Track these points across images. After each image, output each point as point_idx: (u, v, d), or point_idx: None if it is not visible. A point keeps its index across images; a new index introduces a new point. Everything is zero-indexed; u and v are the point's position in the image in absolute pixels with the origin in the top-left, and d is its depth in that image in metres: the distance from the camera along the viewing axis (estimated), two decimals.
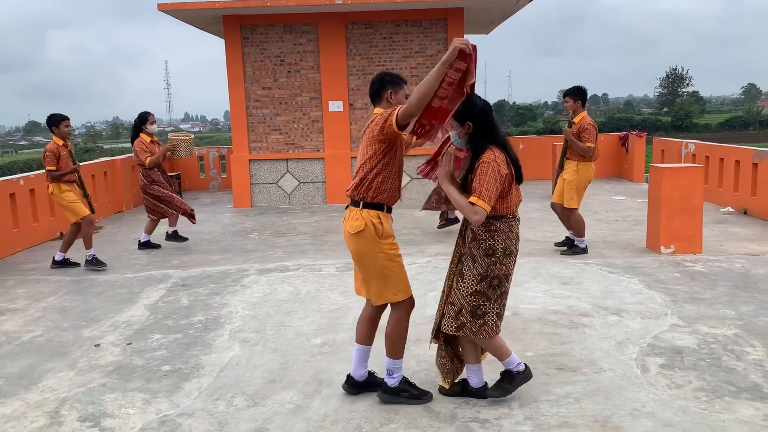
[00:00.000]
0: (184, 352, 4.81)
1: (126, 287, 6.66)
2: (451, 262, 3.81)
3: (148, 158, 8.01)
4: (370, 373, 4.00)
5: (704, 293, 5.81)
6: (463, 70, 3.32)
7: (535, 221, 9.51)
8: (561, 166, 7.60)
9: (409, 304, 3.80)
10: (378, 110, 3.76)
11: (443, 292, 3.85)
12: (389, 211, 3.76)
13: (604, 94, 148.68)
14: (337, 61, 11.30)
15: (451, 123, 3.63)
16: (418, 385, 3.96)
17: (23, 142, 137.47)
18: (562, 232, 8.62)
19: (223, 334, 5.17)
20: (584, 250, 7.43)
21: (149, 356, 4.76)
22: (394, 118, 3.45)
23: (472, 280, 3.61)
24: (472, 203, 3.41)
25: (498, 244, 3.58)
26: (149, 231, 8.40)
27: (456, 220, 8.78)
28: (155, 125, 8.29)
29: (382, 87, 3.75)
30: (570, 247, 7.48)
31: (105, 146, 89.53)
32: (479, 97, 3.57)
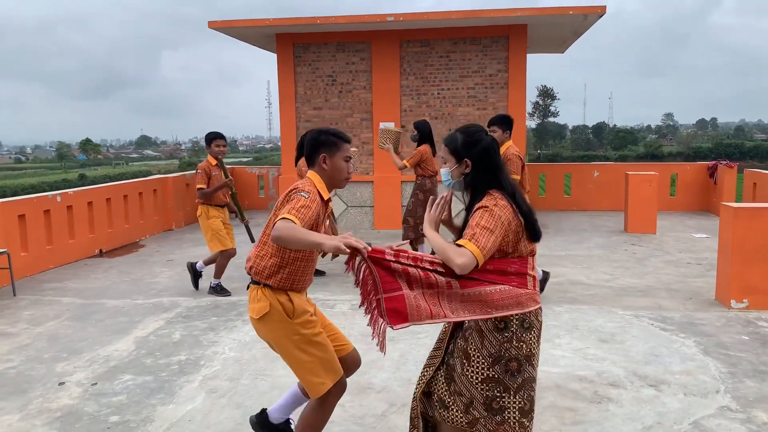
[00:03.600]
0: (143, 400, 4.33)
1: (129, 315, 6.32)
2: (439, 339, 2.96)
3: None
4: (288, 422, 3.37)
5: None
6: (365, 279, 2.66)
7: (594, 260, 8.51)
8: None
9: (339, 388, 3.09)
10: (311, 174, 3.14)
11: (423, 375, 2.95)
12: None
13: (713, 119, 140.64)
14: (390, 80, 10.76)
15: (444, 157, 2.90)
16: None
17: (134, 155, 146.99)
18: (621, 275, 7.63)
19: (195, 380, 4.66)
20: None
21: (105, 402, 4.31)
22: (277, 220, 2.78)
23: (482, 363, 2.73)
24: (459, 245, 2.62)
25: (514, 326, 2.72)
26: None
27: None
28: None
29: (315, 150, 3.10)
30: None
31: None
32: (486, 132, 2.89)
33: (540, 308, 2.80)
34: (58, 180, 75.76)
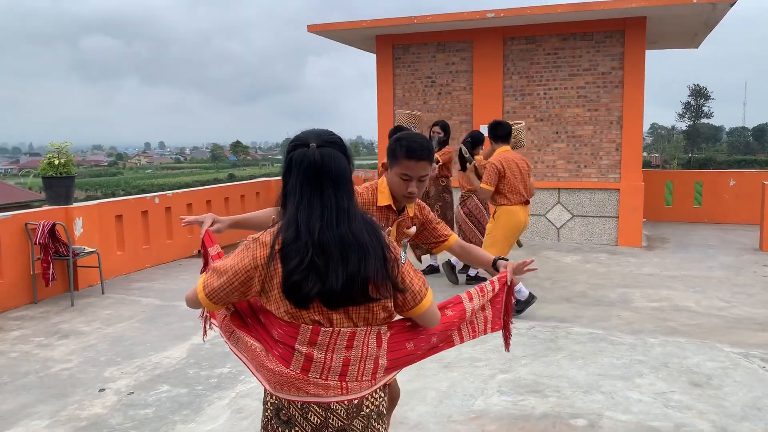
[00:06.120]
0: (167, 416, 4.19)
1: (196, 320, 6.28)
2: None
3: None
4: None
5: None
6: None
7: (711, 283, 7.42)
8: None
9: None
10: (382, 176, 2.88)
11: None
12: None
13: None
14: (492, 81, 10.14)
15: None
16: None
17: (279, 157, 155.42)
18: (740, 302, 6.57)
19: (227, 396, 4.47)
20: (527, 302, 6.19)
21: (131, 414, 4.22)
22: None
23: None
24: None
25: (268, 411, 2.03)
26: None
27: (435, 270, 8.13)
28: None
29: (387, 155, 2.79)
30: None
31: None
32: (306, 144, 1.92)
33: (314, 404, 1.93)
34: (210, 179, 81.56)
